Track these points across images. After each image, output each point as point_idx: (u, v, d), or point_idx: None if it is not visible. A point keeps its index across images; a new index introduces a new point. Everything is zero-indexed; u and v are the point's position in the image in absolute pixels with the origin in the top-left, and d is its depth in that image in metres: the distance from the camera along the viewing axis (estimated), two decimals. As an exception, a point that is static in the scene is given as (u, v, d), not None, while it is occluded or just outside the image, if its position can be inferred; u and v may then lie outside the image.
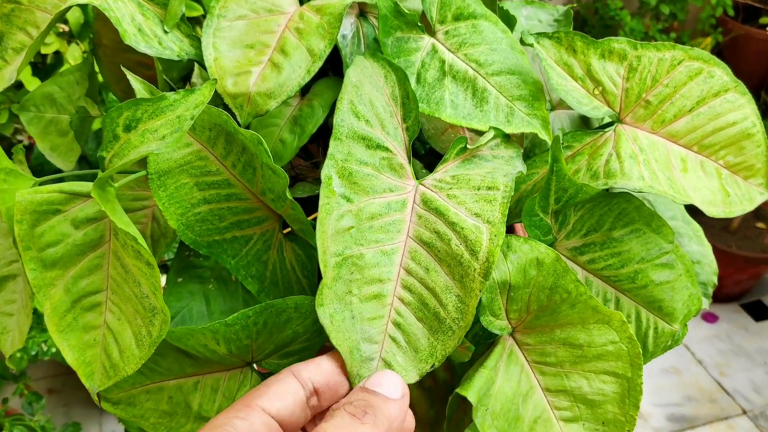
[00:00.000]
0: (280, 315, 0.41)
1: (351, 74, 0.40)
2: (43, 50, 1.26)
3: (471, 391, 0.37)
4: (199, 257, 0.51)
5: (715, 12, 2.13)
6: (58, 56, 1.39)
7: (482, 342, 0.41)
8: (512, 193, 0.38)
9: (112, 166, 0.36)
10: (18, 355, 1.09)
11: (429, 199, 0.38)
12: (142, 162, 0.40)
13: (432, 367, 0.36)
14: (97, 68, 0.54)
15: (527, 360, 0.40)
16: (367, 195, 0.38)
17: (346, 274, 0.36)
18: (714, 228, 2.02)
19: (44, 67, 1.36)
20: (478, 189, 0.38)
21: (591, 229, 0.45)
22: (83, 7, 1.28)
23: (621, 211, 0.45)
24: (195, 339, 0.41)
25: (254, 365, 0.44)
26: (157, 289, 0.36)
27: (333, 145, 0.38)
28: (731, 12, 2.15)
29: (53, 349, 1.09)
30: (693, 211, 0.48)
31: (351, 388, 0.37)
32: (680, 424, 1.71)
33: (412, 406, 0.43)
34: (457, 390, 0.37)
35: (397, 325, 0.37)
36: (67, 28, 1.26)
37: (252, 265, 0.46)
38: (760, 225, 2.05)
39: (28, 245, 0.38)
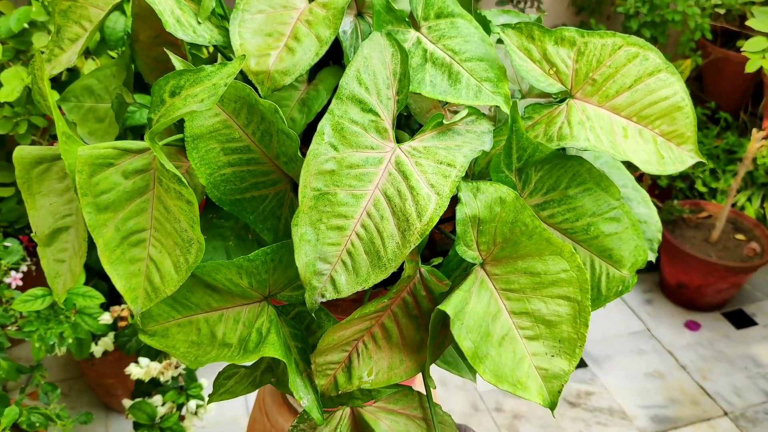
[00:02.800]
0: (293, 254, 0.49)
1: (365, 47, 0.49)
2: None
3: (449, 306, 0.45)
4: (221, 219, 0.60)
5: (694, 36, 2.25)
6: (73, 72, 1.49)
7: (457, 276, 0.49)
8: (464, 173, 0.47)
9: (159, 124, 0.45)
10: (36, 345, 1.16)
11: (401, 162, 0.47)
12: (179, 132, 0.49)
13: (362, 288, 0.45)
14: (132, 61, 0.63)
15: (495, 288, 0.49)
16: (351, 148, 0.47)
17: (320, 205, 0.45)
18: (695, 239, 2.11)
19: (61, 81, 1.45)
20: (440, 163, 0.47)
21: (550, 188, 0.54)
22: (100, 29, 1.38)
23: (575, 172, 0.54)
24: (222, 273, 0.49)
25: (270, 299, 0.52)
26: (195, 222, 0.45)
27: (334, 103, 0.47)
28: (709, 36, 2.27)
29: (70, 340, 1.17)
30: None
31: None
32: (664, 424, 1.78)
33: (402, 332, 0.51)
34: (438, 306, 0.45)
35: (349, 253, 0.46)
36: (85, 45, 1.36)
37: (268, 220, 0.54)
38: (740, 237, 2.14)
39: (86, 192, 0.47)
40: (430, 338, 0.48)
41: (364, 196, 0.46)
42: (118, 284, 0.47)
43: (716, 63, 2.43)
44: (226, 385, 0.58)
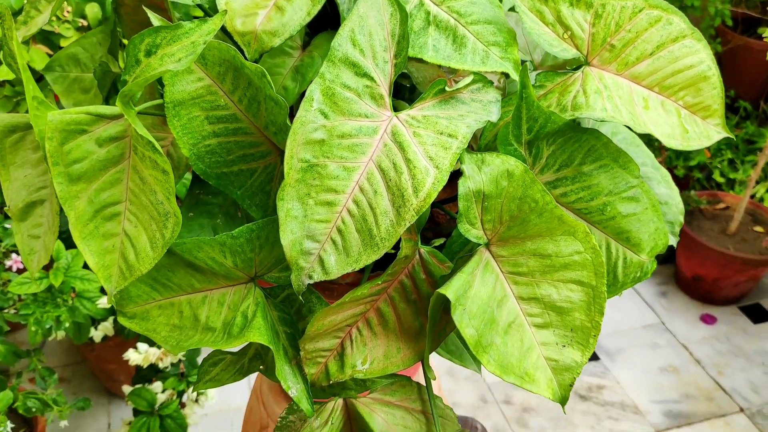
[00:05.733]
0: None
1: (361, 5, 0.45)
2: (63, 43, 1.32)
3: (450, 290, 0.41)
4: (209, 195, 0.56)
5: (713, 22, 2.18)
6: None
7: (461, 258, 0.45)
8: (467, 144, 0.43)
9: (132, 85, 0.41)
10: (33, 329, 1.14)
11: (398, 132, 0.43)
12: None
13: (352, 269, 0.41)
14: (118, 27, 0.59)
15: (501, 271, 0.45)
16: (343, 116, 0.42)
17: (309, 179, 0.41)
18: (712, 231, 2.06)
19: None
20: (441, 134, 0.43)
21: (563, 164, 0.50)
22: (101, 3, 1.34)
23: (590, 147, 0.49)
24: (204, 252, 0.46)
25: (257, 281, 0.49)
26: (170, 194, 0.41)
27: (325, 66, 0.43)
28: (730, 22, 2.20)
29: (67, 324, 1.14)
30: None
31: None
32: (678, 420, 1.74)
33: (399, 318, 0.47)
34: (438, 290, 0.41)
35: (340, 231, 0.42)
36: (86, 23, 1.33)
37: (256, 195, 0.50)
38: (758, 229, 2.08)
39: (57, 161, 0.43)
40: (430, 325, 0.44)
41: (356, 168, 0.42)
42: (91, 261, 0.43)
43: (736, 51, 2.36)
44: (212, 373, 0.54)
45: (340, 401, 0.50)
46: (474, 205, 0.42)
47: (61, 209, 0.46)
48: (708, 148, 2.30)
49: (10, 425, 1.09)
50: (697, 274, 2.06)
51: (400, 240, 0.44)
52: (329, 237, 0.42)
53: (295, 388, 0.47)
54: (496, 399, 1.77)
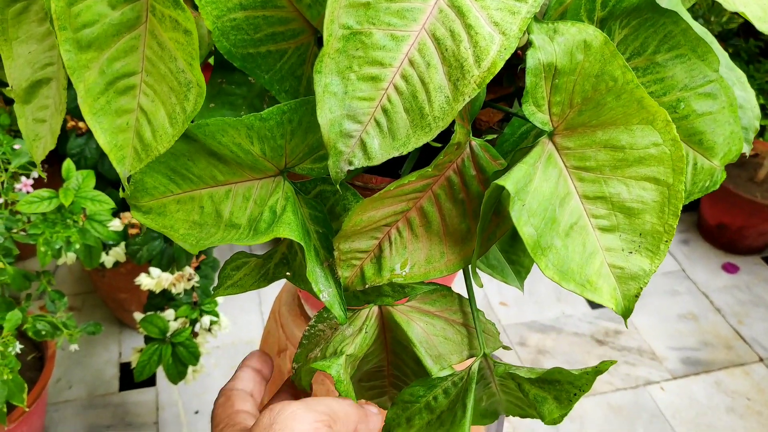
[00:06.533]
0: (315, 113, 0.40)
1: None
2: None
3: (509, 181, 0.36)
4: (232, 85, 0.50)
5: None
6: None
7: (518, 149, 0.40)
8: (538, 9, 0.37)
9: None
10: (42, 249, 1.10)
11: None
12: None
13: (399, 153, 0.36)
14: None
15: (566, 165, 0.39)
16: (393, -26, 0.36)
17: (351, 49, 0.35)
18: (740, 178, 1.99)
19: None
20: None
21: (635, 52, 0.44)
22: None
23: (667, 33, 0.43)
24: (229, 136, 0.40)
25: (286, 174, 0.44)
26: (193, 59, 0.35)
27: None
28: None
29: (77, 245, 1.10)
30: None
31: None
32: (695, 367, 1.71)
33: (444, 219, 0.42)
34: (496, 180, 0.36)
35: (385, 111, 0.36)
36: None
37: (286, 80, 0.45)
38: (788, 177, 2.01)
39: (64, 25, 0.38)
40: (481, 224, 0.39)
41: (406, 38, 0.36)
42: (102, 140, 0.38)
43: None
44: (234, 277, 0.50)
45: (375, 309, 0.46)
46: (543, 81, 0.36)
47: (70, 84, 0.41)
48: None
49: (18, 346, 1.07)
50: (722, 222, 2.01)
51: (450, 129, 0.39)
52: (373, 117, 0.36)
53: (326, 292, 0.42)
54: (511, 341, 1.74)
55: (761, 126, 2.18)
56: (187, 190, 0.44)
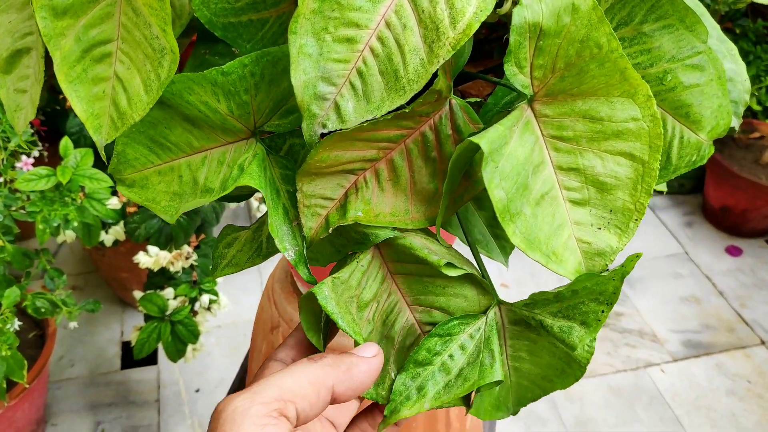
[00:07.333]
0: (276, 64, 0.39)
1: None
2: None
3: (484, 140, 0.35)
4: (215, 56, 0.50)
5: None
6: None
7: (496, 112, 0.39)
8: None
9: None
10: (41, 227, 1.10)
11: None
12: None
13: (372, 116, 0.36)
14: None
15: (542, 133, 0.39)
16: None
17: (327, 10, 0.35)
18: (745, 160, 1.97)
19: None
20: None
21: (621, 21, 0.43)
22: None
23: (654, 2, 0.42)
24: (195, 94, 0.40)
25: (259, 136, 0.43)
26: (167, 24, 0.35)
27: None
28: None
29: (75, 223, 1.11)
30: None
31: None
32: (696, 350, 1.71)
33: (413, 176, 0.42)
34: (471, 137, 0.35)
35: (360, 73, 0.36)
36: None
37: (267, 50, 0.45)
38: (794, 160, 1.99)
39: (40, -9, 0.37)
40: (449, 180, 0.38)
41: (383, 0, 0.36)
42: (79, 108, 0.38)
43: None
44: (228, 256, 0.49)
45: (369, 251, 0.44)
46: (527, 42, 0.35)
47: (47, 52, 0.41)
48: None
49: (17, 323, 1.07)
50: (726, 204, 1.99)
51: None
52: (347, 80, 0.36)
53: (293, 251, 0.42)
54: (512, 322, 1.74)
55: (767, 107, 2.16)
56: (167, 160, 0.44)
